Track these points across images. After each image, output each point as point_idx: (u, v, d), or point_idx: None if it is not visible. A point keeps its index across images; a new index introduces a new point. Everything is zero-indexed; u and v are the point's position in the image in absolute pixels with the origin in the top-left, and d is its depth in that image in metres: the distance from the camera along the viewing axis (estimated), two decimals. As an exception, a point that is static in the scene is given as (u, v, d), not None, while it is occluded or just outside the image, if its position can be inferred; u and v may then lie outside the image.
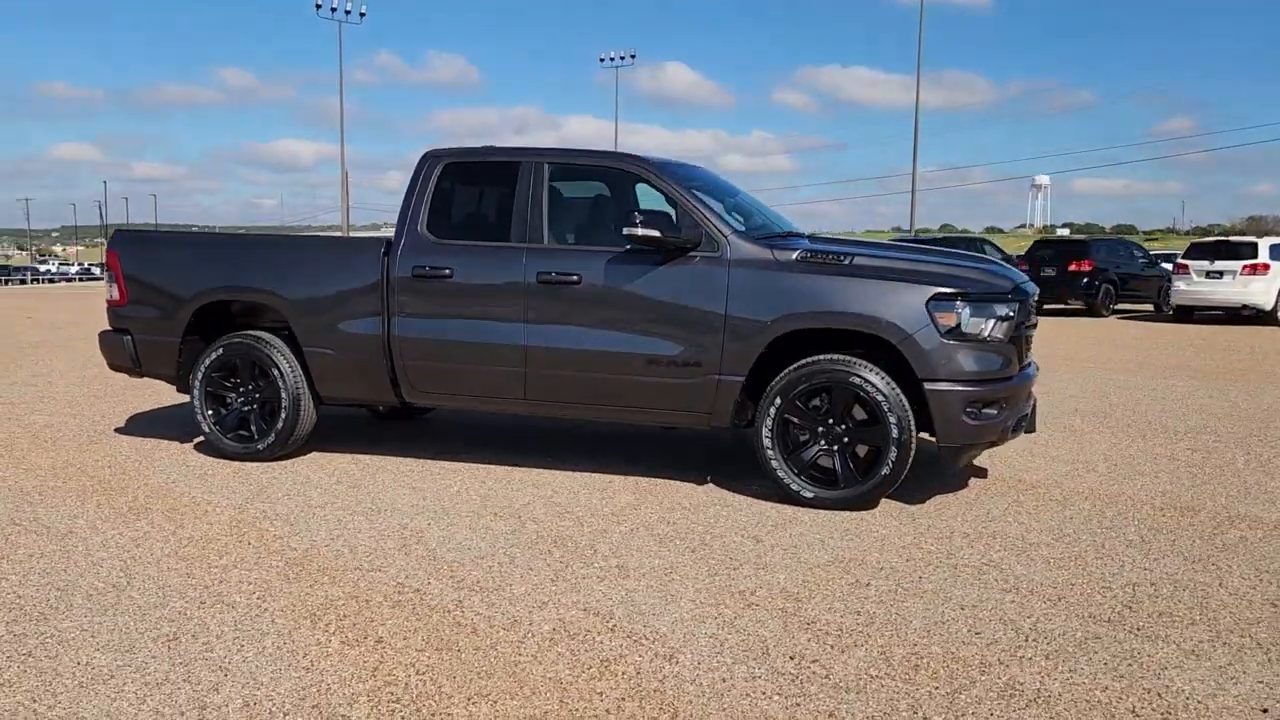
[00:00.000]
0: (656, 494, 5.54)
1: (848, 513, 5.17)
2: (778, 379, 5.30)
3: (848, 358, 5.19)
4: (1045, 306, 22.92)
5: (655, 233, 5.32)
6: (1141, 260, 23.26)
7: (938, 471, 6.00)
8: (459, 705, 3.02)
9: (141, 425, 7.44)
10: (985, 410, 5.14)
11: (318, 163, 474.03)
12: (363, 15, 51.18)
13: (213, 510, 5.15)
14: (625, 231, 5.38)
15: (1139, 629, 3.66)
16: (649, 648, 3.45)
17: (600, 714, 2.98)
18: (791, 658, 3.38)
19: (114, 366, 6.74)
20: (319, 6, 49.49)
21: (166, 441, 6.82)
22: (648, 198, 6.24)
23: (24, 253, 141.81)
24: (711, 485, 5.74)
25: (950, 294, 5.12)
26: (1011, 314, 5.23)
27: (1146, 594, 4.03)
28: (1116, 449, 6.93)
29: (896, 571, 4.27)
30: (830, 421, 5.25)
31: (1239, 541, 4.76)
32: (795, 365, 5.28)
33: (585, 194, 6.04)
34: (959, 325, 5.08)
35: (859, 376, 5.13)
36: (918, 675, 3.25)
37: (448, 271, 5.82)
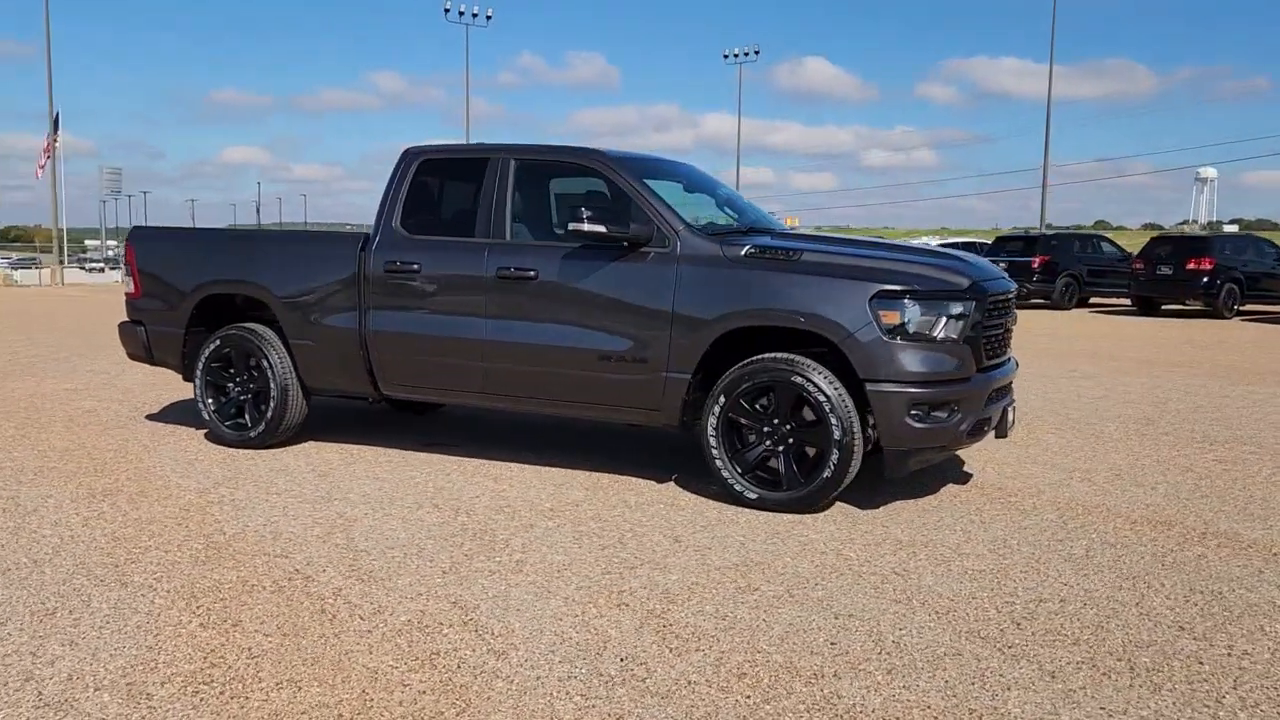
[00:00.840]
0: (609, 490, 5.51)
1: (790, 515, 5.03)
2: (723, 377, 5.20)
3: (792, 356, 5.05)
4: (1162, 306, 21.79)
5: (601, 228, 5.29)
6: (1273, 258, 21.74)
7: (920, 475, 5.77)
8: (263, 691, 3.08)
9: (174, 413, 7.82)
10: (934, 413, 4.92)
11: None
12: (489, 18, 52.41)
13: (176, 494, 5.38)
14: (570, 227, 5.37)
15: (1010, 646, 3.45)
16: (487, 643, 3.45)
17: (394, 705, 3.00)
18: (622, 659, 3.32)
19: (131, 355, 7.11)
20: (447, 11, 50.95)
21: (184, 429, 7.16)
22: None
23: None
24: (673, 484, 5.67)
25: (895, 291, 4.92)
26: (965, 313, 4.99)
27: (1047, 610, 3.79)
28: (1133, 457, 6.52)
29: (796, 577, 4.14)
30: (776, 422, 5.12)
31: (1194, 560, 4.42)
32: (740, 364, 5.17)
33: (546, 190, 6.03)
34: (903, 324, 4.88)
35: (801, 376, 4.98)
36: (737, 684, 3.14)
37: (416, 266, 5.93)
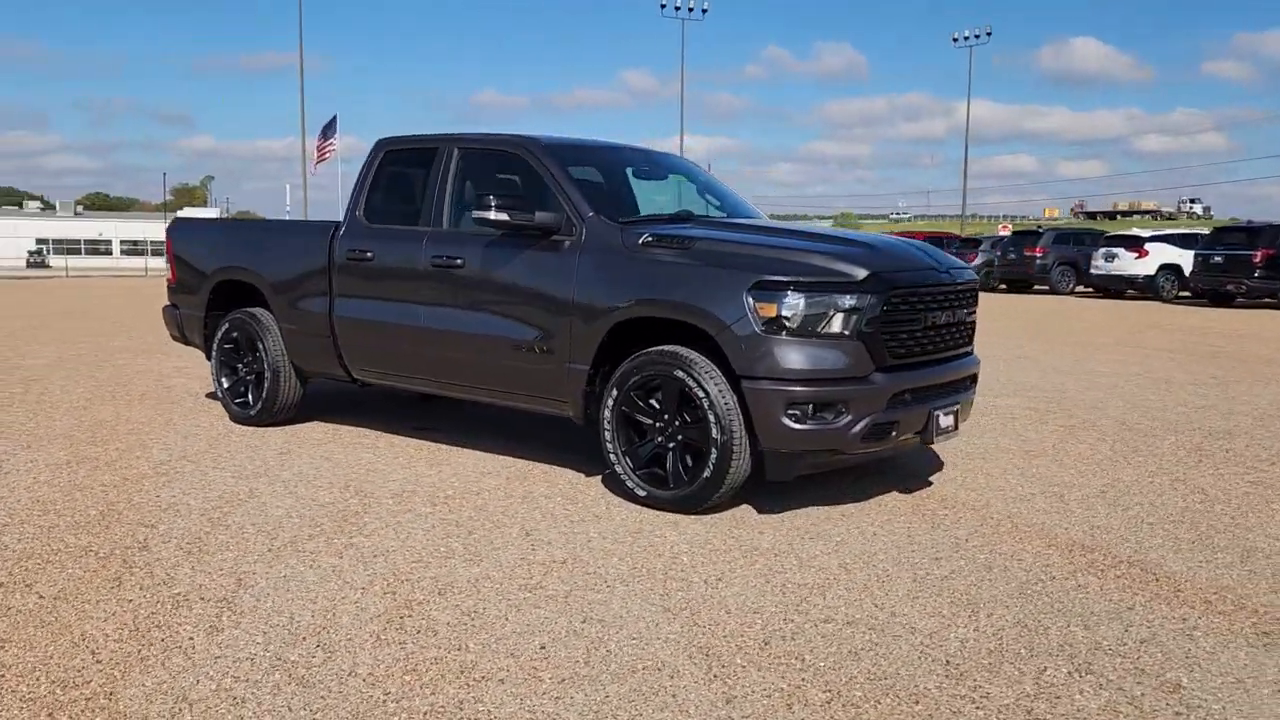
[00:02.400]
0: (531, 482, 5.46)
1: (670, 515, 4.81)
2: (617, 371, 5.04)
3: (676, 350, 4.82)
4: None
5: (504, 216, 5.24)
6: None
7: (864, 482, 5.39)
8: (-26, 645, 3.29)
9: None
10: (820, 414, 4.56)
11: (708, 156, 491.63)
12: (705, 12, 52.55)
13: (138, 465, 5.80)
14: (475, 215, 5.36)
15: (726, 665, 3.15)
16: (211, 612, 3.52)
17: (72, 668, 3.12)
18: (320, 647, 3.30)
19: (172, 336, 7.72)
20: (663, 6, 51.54)
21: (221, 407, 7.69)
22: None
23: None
24: (598, 480, 5.54)
25: (775, 282, 4.58)
26: (858, 306, 4.58)
27: (822, 631, 3.44)
28: (1145, 475, 5.78)
29: (603, 579, 3.95)
30: (667, 418, 4.90)
31: (1067, 591, 3.87)
32: (631, 357, 4.99)
33: (482, 178, 6.01)
34: (780, 316, 4.54)
35: (683, 371, 4.74)
36: (389, 681, 3.06)
37: (370, 255, 6.10)
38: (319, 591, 3.79)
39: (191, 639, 3.35)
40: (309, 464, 5.83)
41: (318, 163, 54.07)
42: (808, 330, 4.55)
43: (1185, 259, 24.05)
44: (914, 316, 4.80)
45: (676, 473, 4.85)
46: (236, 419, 7.01)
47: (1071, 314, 20.24)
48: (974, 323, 5.40)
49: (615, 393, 4.99)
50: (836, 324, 4.56)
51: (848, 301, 4.57)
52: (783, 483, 5.00)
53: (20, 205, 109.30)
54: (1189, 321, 18.17)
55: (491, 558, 4.21)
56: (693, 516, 4.80)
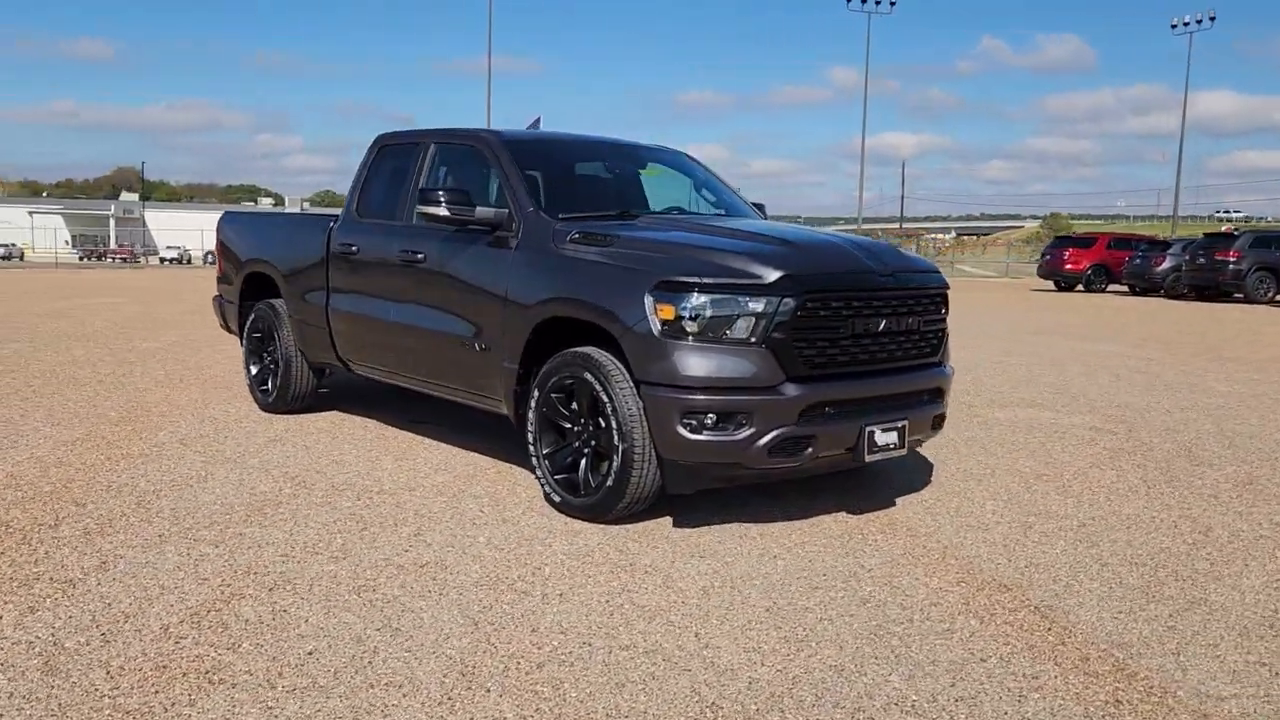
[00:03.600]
0: (478, 481, 5.39)
1: (577, 525, 4.64)
2: (540, 371, 4.89)
3: (589, 352, 4.63)
4: None
5: (444, 211, 5.18)
6: None
7: (818, 497, 5.04)
8: None
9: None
10: (720, 425, 4.26)
11: (918, 154, 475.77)
12: (893, 4, 50.88)
13: (136, 446, 6.10)
14: (418, 209, 5.34)
15: (482, 684, 2.98)
16: (46, 592, 3.62)
17: None
18: (102, 636, 3.34)
19: (221, 325, 8.10)
20: (849, 0, 50.31)
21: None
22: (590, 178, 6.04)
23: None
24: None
25: (677, 282, 4.32)
26: (767, 310, 4.26)
27: (624, 661, 3.20)
28: (1123, 504, 5.12)
29: (444, 586, 3.83)
30: (583, 421, 4.73)
31: (934, 635, 3.46)
32: (552, 358, 4.83)
33: (453, 174, 5.95)
34: (679, 319, 4.27)
35: (590, 373, 4.56)
36: (159, 680, 3.05)
37: (355, 249, 6.18)
38: (162, 579, 3.84)
39: (1, 617, 3.45)
40: (283, 453, 5.97)
41: None
42: (710, 334, 4.26)
43: None
44: (839, 323, 4.42)
45: (586, 480, 4.66)
46: (261, 406, 7.27)
47: (1260, 327, 18.34)
48: (936, 331, 4.93)
49: (537, 394, 4.85)
50: (741, 329, 4.26)
51: (754, 305, 4.25)
52: (724, 491, 4.72)
53: (255, 201, 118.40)
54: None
55: (358, 556, 4.16)
56: (599, 526, 4.60)
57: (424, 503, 4.95)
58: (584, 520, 4.66)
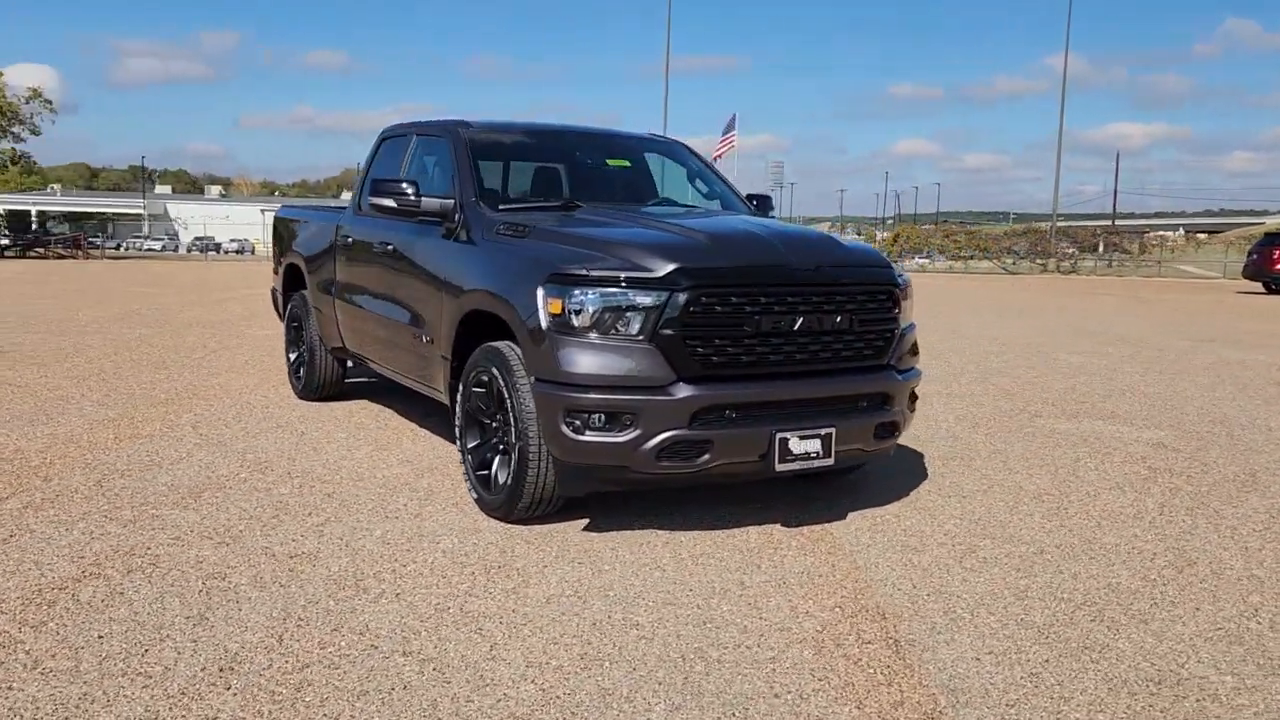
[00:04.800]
0: (431, 476, 5.35)
1: (479, 523, 4.52)
2: (466, 365, 4.80)
3: (499, 346, 4.50)
4: None
5: (390, 202, 5.18)
6: None
7: (765, 512, 4.75)
8: None
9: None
10: (607, 425, 4.04)
11: (1149, 146, 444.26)
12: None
13: (154, 428, 6.41)
14: (369, 200, 5.36)
15: (226, 684, 2.92)
16: (-73, 569, 3.83)
17: None
18: (-55, 604, 3.49)
19: (277, 315, 8.43)
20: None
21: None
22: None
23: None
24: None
25: (566, 275, 4.12)
26: (654, 305, 4.00)
27: (382, 665, 3.07)
28: (1108, 532, 4.52)
29: (293, 579, 3.80)
30: (499, 416, 4.60)
31: (756, 662, 3.14)
32: (475, 351, 4.72)
33: (432, 163, 5.89)
34: (566, 313, 4.08)
35: (497, 368, 4.43)
36: (-69, 645, 3.16)
37: (350, 240, 6.28)
38: (43, 555, 3.99)
39: None
40: (273, 439, 6.12)
41: (717, 158, 56.24)
42: (596, 330, 4.04)
43: None
44: (741, 319, 4.09)
45: (497, 477, 4.53)
46: (296, 393, 7.52)
47: None
48: (881, 331, 4.49)
49: (462, 388, 4.76)
50: (630, 324, 4.02)
51: (643, 299, 4.00)
52: (671, 493, 4.51)
53: None
54: None
55: (244, 542, 4.19)
56: (504, 526, 4.46)
57: (358, 494, 4.95)
58: (496, 519, 4.54)
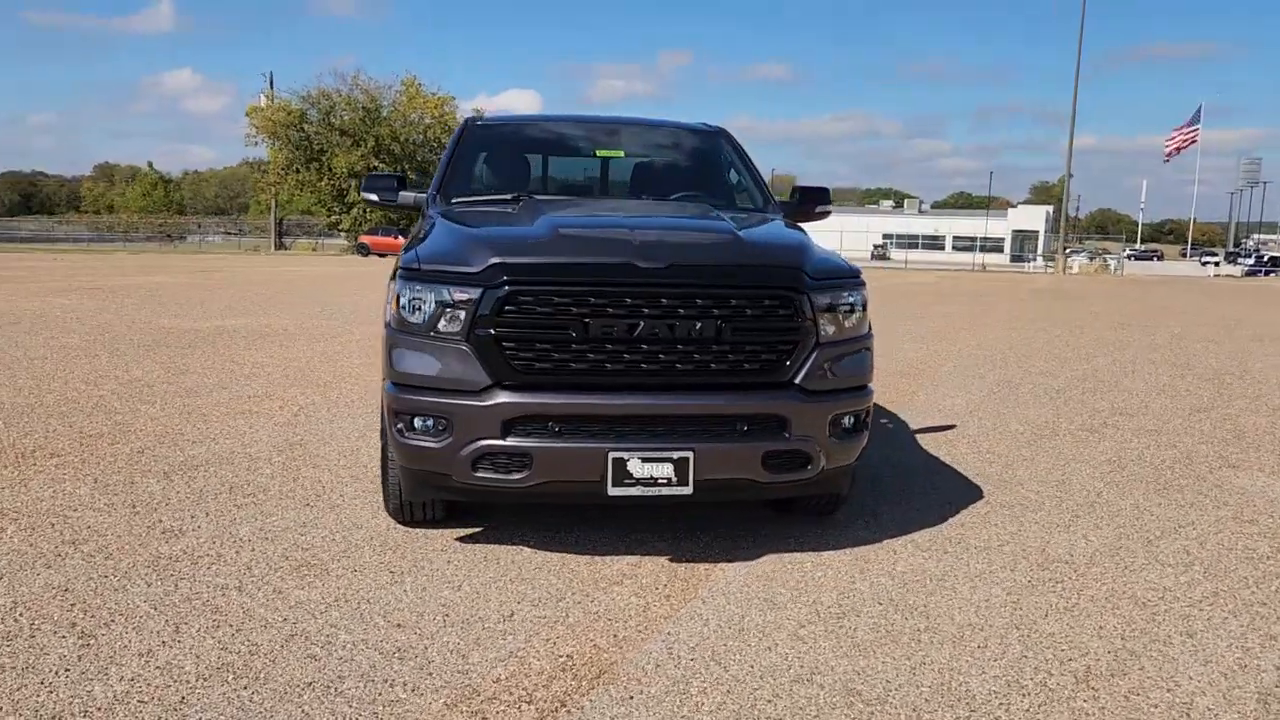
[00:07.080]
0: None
1: (381, 530, 4.42)
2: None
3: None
4: None
5: (373, 196, 5.36)
6: None
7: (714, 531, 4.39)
8: None
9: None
10: (430, 430, 3.82)
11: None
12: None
13: (222, 407, 6.90)
14: (362, 194, 5.54)
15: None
16: None
17: None
18: None
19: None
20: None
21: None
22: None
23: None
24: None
25: (406, 269, 3.96)
26: (469, 301, 3.72)
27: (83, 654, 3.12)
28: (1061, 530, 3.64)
29: (165, 575, 3.90)
30: (388, 418, 4.55)
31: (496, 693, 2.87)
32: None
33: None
34: (400, 308, 3.94)
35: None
36: None
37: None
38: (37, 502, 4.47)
39: None
40: (300, 423, 6.45)
41: (1172, 153, 53.59)
42: (427, 327, 3.84)
43: None
44: (570, 321, 3.71)
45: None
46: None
47: None
48: (773, 343, 3.87)
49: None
50: (451, 323, 3.79)
51: (459, 295, 3.74)
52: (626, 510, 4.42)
53: (877, 203, 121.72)
54: None
55: (192, 532, 4.25)
56: (390, 530, 4.39)
57: (301, 482, 5.06)
58: (396, 521, 4.46)
